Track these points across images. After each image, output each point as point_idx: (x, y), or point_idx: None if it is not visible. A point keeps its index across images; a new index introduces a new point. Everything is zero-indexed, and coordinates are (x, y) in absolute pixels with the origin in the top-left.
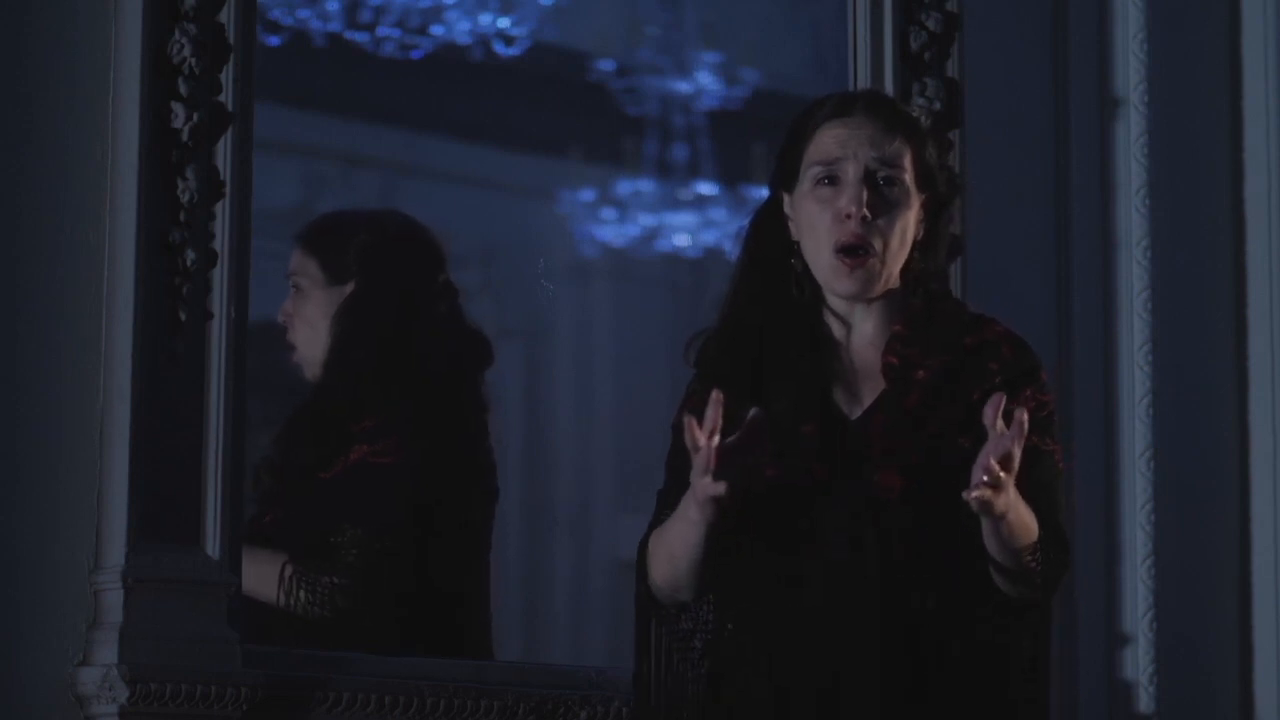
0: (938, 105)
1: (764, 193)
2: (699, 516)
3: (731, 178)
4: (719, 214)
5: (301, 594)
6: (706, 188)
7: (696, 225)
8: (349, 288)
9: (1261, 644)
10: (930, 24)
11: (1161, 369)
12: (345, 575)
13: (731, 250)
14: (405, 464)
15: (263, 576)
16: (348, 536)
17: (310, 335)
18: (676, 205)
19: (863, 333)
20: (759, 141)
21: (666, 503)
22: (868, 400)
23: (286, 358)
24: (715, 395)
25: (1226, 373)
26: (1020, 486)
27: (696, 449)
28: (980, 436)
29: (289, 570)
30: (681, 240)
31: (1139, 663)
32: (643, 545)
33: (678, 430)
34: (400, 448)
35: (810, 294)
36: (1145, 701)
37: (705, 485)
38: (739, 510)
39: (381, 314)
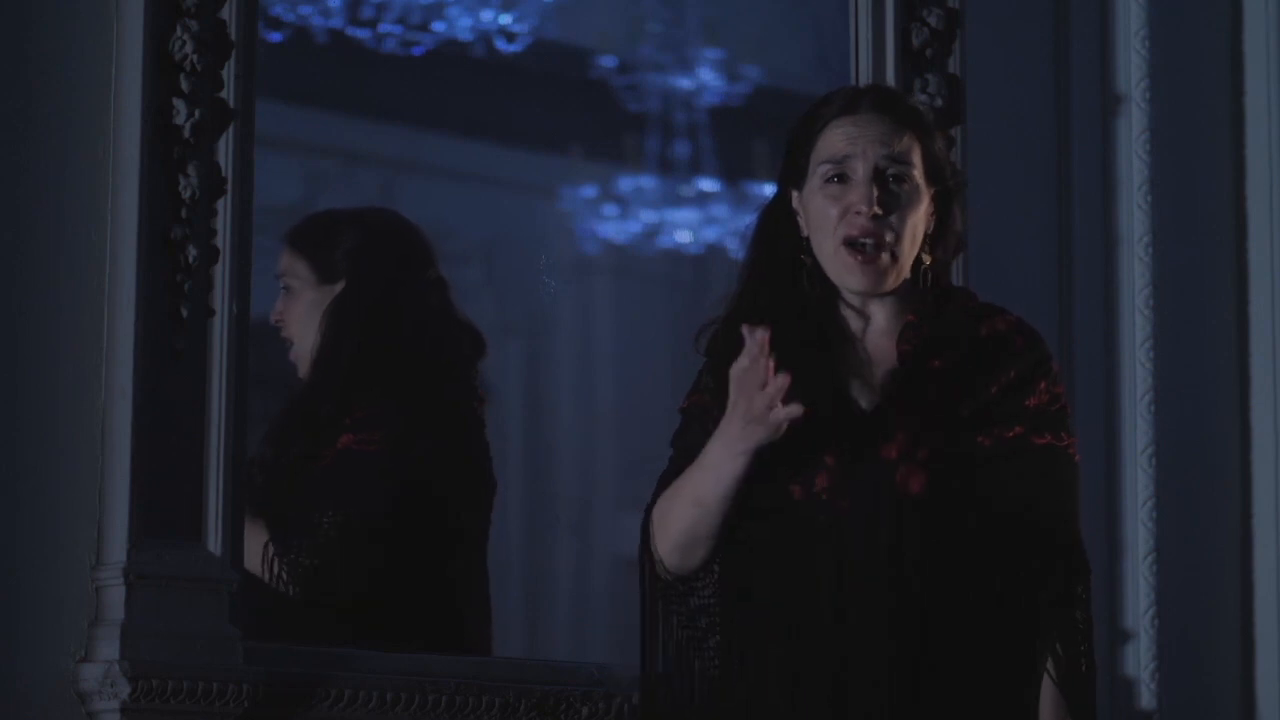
0: (939, 102)
1: (766, 189)
2: (746, 448)
3: (733, 174)
4: (721, 210)
5: (282, 574)
6: (708, 184)
7: (698, 222)
8: (339, 286)
9: (1263, 640)
10: (932, 20)
11: (1163, 365)
12: (320, 557)
13: (735, 248)
14: (393, 452)
15: (250, 549)
16: (329, 520)
17: (303, 334)
18: (678, 202)
19: (877, 325)
20: (761, 138)
21: (669, 483)
22: (883, 394)
23: (286, 355)
24: (760, 335)
25: (1228, 369)
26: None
27: (763, 384)
28: (996, 436)
29: (270, 551)
30: (683, 237)
31: (1140, 659)
32: (646, 520)
33: (686, 413)
34: (388, 437)
35: (821, 289)
36: (1147, 698)
37: (782, 411)
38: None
39: (373, 310)
